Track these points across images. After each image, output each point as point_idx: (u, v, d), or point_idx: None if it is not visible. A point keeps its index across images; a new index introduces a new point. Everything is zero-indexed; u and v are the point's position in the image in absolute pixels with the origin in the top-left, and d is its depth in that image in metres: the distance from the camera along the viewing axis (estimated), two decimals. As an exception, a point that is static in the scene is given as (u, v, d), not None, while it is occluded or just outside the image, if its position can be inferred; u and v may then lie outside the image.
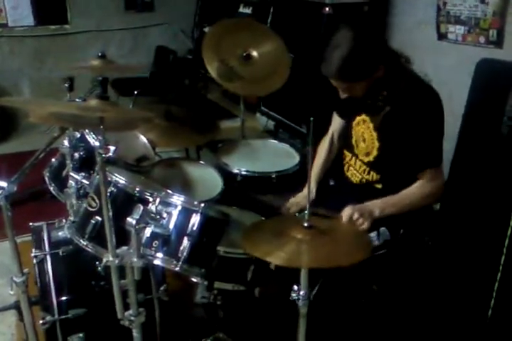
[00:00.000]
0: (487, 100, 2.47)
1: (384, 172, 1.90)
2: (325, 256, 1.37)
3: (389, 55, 1.75)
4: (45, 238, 1.96)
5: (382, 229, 1.83)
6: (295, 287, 1.45)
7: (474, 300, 2.22)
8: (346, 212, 1.70)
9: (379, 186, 1.92)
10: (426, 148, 1.77)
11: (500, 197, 2.20)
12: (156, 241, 1.54)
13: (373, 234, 1.79)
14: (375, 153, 1.89)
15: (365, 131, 1.90)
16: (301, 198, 2.05)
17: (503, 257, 2.13)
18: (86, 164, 1.89)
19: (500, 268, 2.14)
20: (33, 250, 1.90)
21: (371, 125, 1.87)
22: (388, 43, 1.80)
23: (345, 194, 2.04)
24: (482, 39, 2.69)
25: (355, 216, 1.68)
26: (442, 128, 1.79)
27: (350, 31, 1.68)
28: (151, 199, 1.56)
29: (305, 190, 2.06)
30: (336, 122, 2.13)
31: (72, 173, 1.80)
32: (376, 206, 1.76)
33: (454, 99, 2.67)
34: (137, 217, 1.42)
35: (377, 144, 1.87)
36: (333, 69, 1.67)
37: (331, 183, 2.22)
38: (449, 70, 2.94)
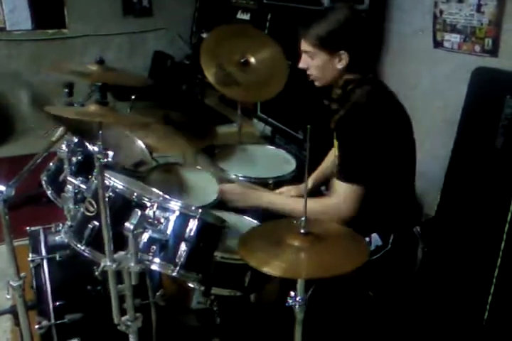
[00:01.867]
0: (482, 108, 2.49)
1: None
2: (323, 265, 1.36)
3: (361, 55, 1.77)
4: (42, 242, 1.96)
5: (374, 234, 1.84)
6: (291, 293, 1.45)
7: (470, 306, 2.23)
8: (231, 187, 1.89)
9: None
10: (350, 160, 1.73)
11: (495, 206, 2.22)
12: (154, 247, 1.54)
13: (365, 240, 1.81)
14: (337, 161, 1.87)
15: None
16: (294, 188, 2.13)
17: (498, 264, 2.14)
18: (84, 169, 1.89)
19: (496, 274, 2.15)
20: (30, 254, 1.90)
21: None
22: (377, 52, 1.83)
23: None
24: (478, 47, 2.71)
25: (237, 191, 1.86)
26: (386, 148, 1.71)
27: (348, 9, 1.78)
28: (148, 204, 1.56)
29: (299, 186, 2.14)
30: None
31: (69, 178, 1.81)
32: (262, 197, 1.89)
33: (450, 106, 2.69)
34: (135, 222, 1.42)
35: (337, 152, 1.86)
36: (311, 29, 1.76)
37: (324, 192, 2.24)
38: (444, 78, 2.96)
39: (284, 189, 2.15)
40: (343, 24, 1.73)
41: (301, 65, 1.84)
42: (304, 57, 1.83)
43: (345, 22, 1.74)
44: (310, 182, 2.17)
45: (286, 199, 1.86)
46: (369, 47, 1.83)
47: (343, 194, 1.73)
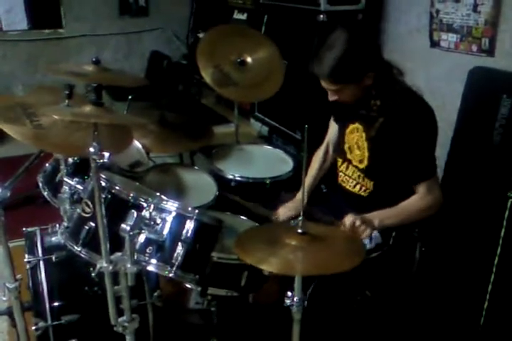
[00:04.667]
0: (479, 107, 2.49)
1: (377, 179, 1.91)
2: (320, 263, 1.37)
3: (381, 63, 1.78)
4: (39, 243, 1.95)
5: (375, 232, 1.84)
6: (289, 293, 1.45)
7: (467, 306, 2.23)
8: (349, 220, 1.70)
9: (365, 194, 1.93)
10: (419, 162, 1.78)
11: (492, 206, 2.22)
12: (150, 247, 1.54)
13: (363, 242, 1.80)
14: (365, 161, 1.90)
15: (359, 139, 1.92)
16: (291, 207, 2.06)
17: (495, 263, 2.15)
18: (80, 169, 1.89)
19: (493, 274, 2.15)
20: (26, 255, 1.88)
21: (364, 135, 1.88)
22: (382, 53, 1.82)
23: (337, 201, 2.05)
24: (474, 47, 2.71)
25: (358, 223, 1.68)
26: (435, 141, 1.81)
27: (346, 34, 1.72)
28: (145, 205, 1.56)
29: (294, 199, 2.09)
30: (332, 131, 2.14)
31: (65, 178, 1.80)
32: (375, 217, 1.76)
33: (447, 106, 2.69)
34: (131, 223, 1.42)
35: (367, 154, 1.89)
36: (325, 69, 1.71)
37: (324, 190, 2.23)
38: (441, 78, 2.96)
39: (281, 211, 2.06)
40: (351, 52, 1.68)
41: (331, 99, 1.82)
42: (330, 92, 1.81)
43: (352, 49, 1.69)
44: (306, 186, 2.11)
45: (393, 209, 1.80)
46: (380, 52, 1.81)
47: (437, 189, 1.80)
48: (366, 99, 1.80)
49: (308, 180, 2.12)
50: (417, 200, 1.80)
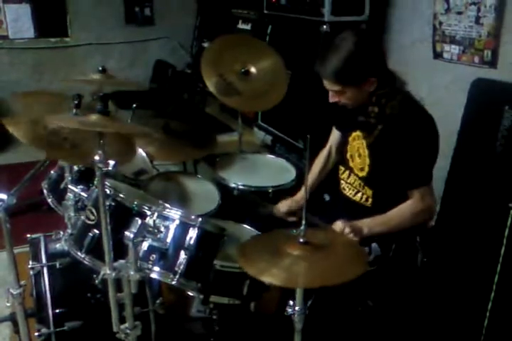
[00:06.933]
0: (481, 119, 2.50)
1: (376, 188, 1.92)
2: (323, 274, 1.36)
3: (384, 71, 1.79)
4: (42, 250, 1.96)
5: (374, 245, 1.85)
6: (290, 302, 1.45)
7: (469, 316, 2.23)
8: (338, 226, 1.73)
9: (368, 204, 1.94)
10: (415, 168, 1.79)
11: (495, 216, 2.22)
12: (153, 255, 1.55)
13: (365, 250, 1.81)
14: (366, 169, 1.91)
15: (360, 147, 1.93)
16: (291, 201, 2.14)
17: (497, 272, 2.15)
18: (84, 177, 1.90)
19: (495, 283, 2.15)
20: (30, 262, 1.90)
21: (364, 142, 1.90)
22: (386, 61, 1.84)
23: (338, 210, 2.06)
24: (477, 59, 2.73)
25: (347, 230, 1.71)
26: (434, 149, 1.82)
27: (354, 37, 1.74)
28: (149, 213, 1.58)
29: (297, 195, 2.16)
30: (335, 135, 2.17)
31: (70, 186, 1.82)
32: (365, 224, 1.78)
33: (449, 117, 2.70)
34: (135, 231, 1.44)
35: (367, 161, 1.90)
36: (328, 68, 1.73)
37: (326, 199, 2.24)
38: (444, 89, 2.98)
39: (284, 205, 2.15)
40: (356, 54, 1.71)
41: (332, 100, 1.84)
42: (331, 93, 1.82)
43: (358, 51, 1.71)
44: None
45: (383, 216, 1.82)
46: (385, 60, 1.83)
47: (430, 197, 1.82)
48: (366, 105, 1.81)
49: (309, 181, 2.13)
50: (408, 206, 1.81)
